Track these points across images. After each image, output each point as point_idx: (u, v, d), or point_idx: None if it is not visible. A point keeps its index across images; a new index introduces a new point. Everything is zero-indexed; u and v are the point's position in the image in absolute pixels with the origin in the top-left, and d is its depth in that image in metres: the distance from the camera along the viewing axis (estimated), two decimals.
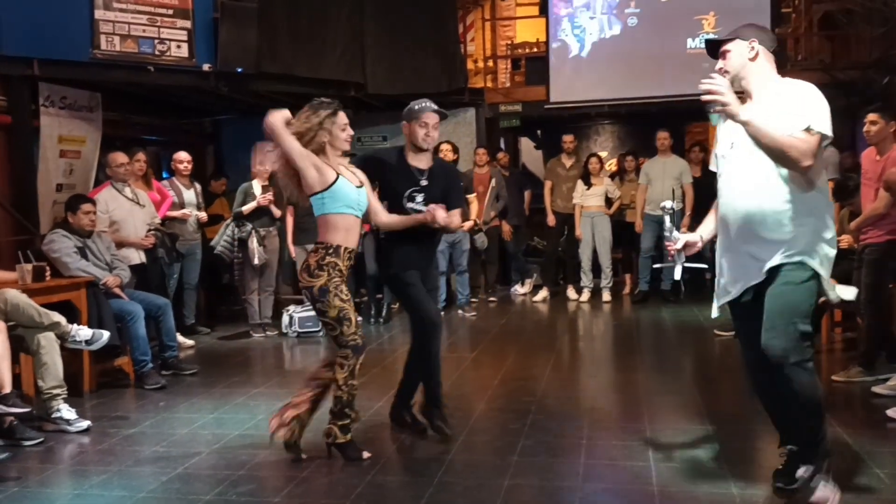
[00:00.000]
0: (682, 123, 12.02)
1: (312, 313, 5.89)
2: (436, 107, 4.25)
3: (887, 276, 4.89)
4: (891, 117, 4.90)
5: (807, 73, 9.73)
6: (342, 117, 3.88)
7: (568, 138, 9.11)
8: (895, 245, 4.43)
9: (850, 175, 6.04)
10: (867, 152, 5.10)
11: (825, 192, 3.19)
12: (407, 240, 4.18)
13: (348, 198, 3.82)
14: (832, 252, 3.11)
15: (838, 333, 6.57)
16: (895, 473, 3.51)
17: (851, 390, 4.98)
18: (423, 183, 4.21)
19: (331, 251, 3.80)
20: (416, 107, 4.21)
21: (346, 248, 3.83)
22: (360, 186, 3.93)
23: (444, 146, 8.00)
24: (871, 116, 4.90)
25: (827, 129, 3.04)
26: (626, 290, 9.29)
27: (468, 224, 8.30)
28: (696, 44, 9.50)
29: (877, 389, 4.82)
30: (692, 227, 8.60)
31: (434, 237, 4.36)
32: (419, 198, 4.18)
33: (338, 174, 3.82)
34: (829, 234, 3.12)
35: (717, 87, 3.03)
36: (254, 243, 7.05)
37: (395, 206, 4.20)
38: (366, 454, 3.89)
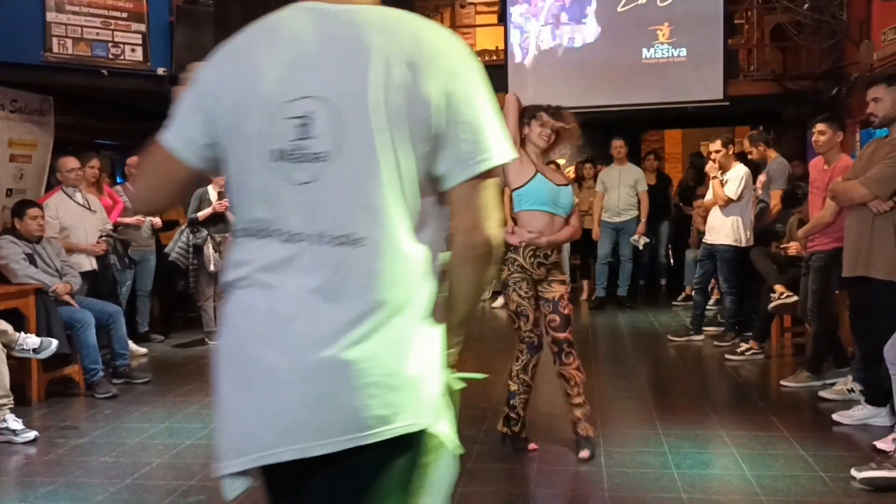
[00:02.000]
0: (638, 132, 12.18)
1: None
2: None
3: (833, 282, 5.01)
4: (838, 127, 5.02)
5: (759, 83, 9.97)
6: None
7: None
8: (841, 252, 4.54)
9: (799, 184, 6.18)
10: (815, 161, 5.22)
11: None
12: None
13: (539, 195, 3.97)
14: None
15: (787, 339, 6.71)
16: (841, 477, 3.59)
17: (799, 395, 5.08)
18: None
19: (511, 248, 3.95)
20: None
21: (527, 247, 3.96)
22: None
23: None
24: (820, 127, 5.02)
25: None
26: (584, 296, 9.38)
27: None
28: (650, 54, 9.64)
29: (824, 394, 4.93)
30: (647, 234, 8.78)
31: None
32: None
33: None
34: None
35: None
36: (209, 249, 6.97)
37: None
38: (532, 446, 4.06)
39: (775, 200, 6.67)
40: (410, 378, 1.37)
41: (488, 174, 1.40)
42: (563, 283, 4.04)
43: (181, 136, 1.49)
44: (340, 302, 1.34)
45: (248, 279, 1.41)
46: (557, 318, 3.95)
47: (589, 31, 9.86)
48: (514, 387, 4.05)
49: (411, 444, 1.39)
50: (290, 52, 1.42)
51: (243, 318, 1.40)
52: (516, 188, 3.97)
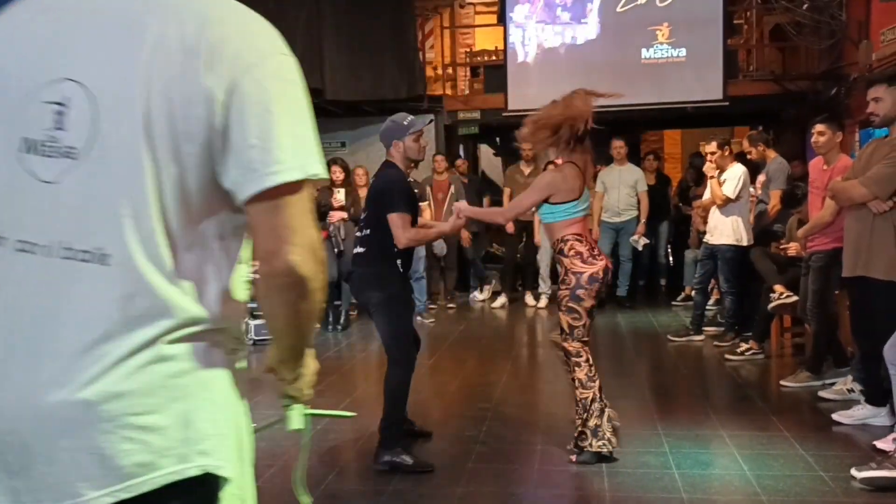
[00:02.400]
0: (638, 132, 12.19)
1: None
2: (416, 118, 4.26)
3: (833, 282, 5.01)
4: (838, 128, 5.03)
5: (758, 84, 9.98)
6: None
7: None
8: (841, 252, 4.54)
9: (798, 184, 6.18)
10: (815, 161, 5.22)
11: None
12: (408, 258, 4.09)
13: None
14: None
15: (787, 339, 6.71)
16: (840, 476, 3.59)
17: (799, 395, 5.08)
18: (416, 191, 4.28)
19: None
20: (405, 122, 4.12)
21: None
22: None
23: None
24: (819, 127, 5.02)
25: None
26: None
27: None
28: (650, 54, 9.64)
29: (824, 394, 4.94)
30: (647, 234, 8.79)
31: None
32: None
33: None
34: None
35: None
36: None
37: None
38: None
39: (774, 200, 6.67)
40: (175, 419, 1.14)
41: (291, 189, 1.15)
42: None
43: None
44: (75, 330, 1.11)
45: None
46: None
47: (588, 30, 9.87)
48: (588, 395, 3.87)
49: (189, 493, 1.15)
50: (55, 22, 1.19)
51: None
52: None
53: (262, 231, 1.17)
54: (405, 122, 4.12)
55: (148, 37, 1.13)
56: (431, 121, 4.22)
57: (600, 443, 3.78)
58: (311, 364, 1.40)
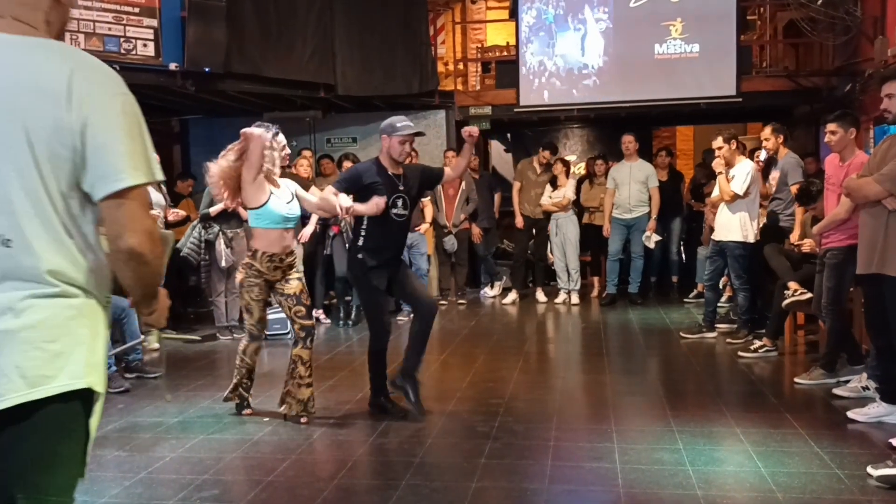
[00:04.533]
0: (650, 128, 12.15)
1: (281, 315, 5.86)
2: (414, 128, 4.61)
3: (848, 279, 4.98)
4: (851, 124, 4.98)
5: (772, 80, 9.93)
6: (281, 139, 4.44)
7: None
8: (856, 249, 4.51)
9: (813, 180, 6.13)
10: (830, 158, 5.18)
11: None
12: (377, 241, 4.55)
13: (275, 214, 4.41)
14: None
15: (801, 336, 6.68)
16: (855, 474, 3.57)
17: (813, 392, 5.06)
18: (402, 188, 4.57)
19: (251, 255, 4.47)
20: (399, 123, 4.53)
21: (264, 253, 4.42)
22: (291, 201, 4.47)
23: None
24: (831, 126, 4.98)
25: None
26: (595, 292, 9.35)
27: (423, 227, 8.32)
28: (663, 49, 9.60)
29: (838, 391, 4.91)
30: (659, 230, 8.76)
31: (403, 237, 4.75)
32: (399, 203, 4.56)
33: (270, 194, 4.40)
34: None
35: None
36: (221, 245, 6.98)
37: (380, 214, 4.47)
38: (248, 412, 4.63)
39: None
40: (63, 348, 1.61)
41: (130, 191, 1.61)
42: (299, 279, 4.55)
43: None
44: None
45: None
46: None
47: (601, 26, 9.83)
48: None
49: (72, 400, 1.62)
50: None
51: None
52: None
53: (109, 221, 1.63)
54: (399, 125, 4.53)
55: (18, 80, 1.57)
56: (422, 134, 4.80)
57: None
58: (163, 302, 1.90)
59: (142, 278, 1.71)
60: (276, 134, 4.40)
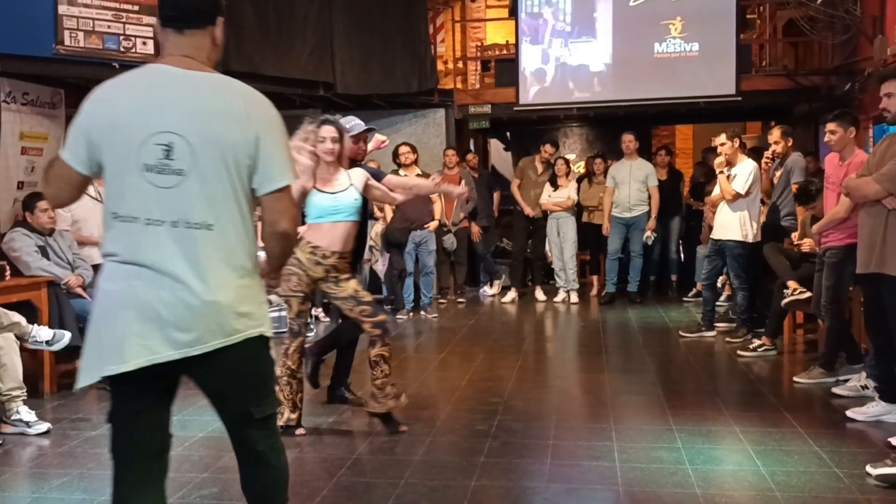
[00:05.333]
0: (650, 127, 12.15)
1: (281, 314, 5.85)
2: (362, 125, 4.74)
3: (847, 279, 4.98)
4: (850, 123, 4.97)
5: (771, 79, 9.93)
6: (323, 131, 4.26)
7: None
8: (855, 248, 4.51)
9: (812, 179, 6.13)
10: (830, 157, 5.18)
11: None
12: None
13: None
14: None
15: (800, 335, 6.69)
16: (854, 473, 3.57)
17: (812, 391, 5.06)
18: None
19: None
20: (349, 125, 4.54)
21: (308, 243, 4.20)
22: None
23: (403, 148, 8.09)
24: (830, 126, 4.97)
25: None
26: (594, 291, 9.35)
27: (433, 224, 8.33)
28: (662, 48, 9.60)
29: (837, 390, 4.91)
30: (658, 229, 8.76)
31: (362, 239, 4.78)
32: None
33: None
34: None
35: None
36: None
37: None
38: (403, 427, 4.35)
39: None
40: (251, 308, 2.19)
41: (285, 188, 2.18)
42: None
43: (71, 152, 2.16)
44: (197, 262, 2.09)
45: (121, 253, 2.11)
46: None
47: (601, 25, 9.82)
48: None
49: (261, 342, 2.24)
50: (148, 99, 2.11)
51: (128, 272, 2.10)
52: None
53: (269, 210, 2.20)
54: (348, 126, 4.51)
55: (214, 109, 2.12)
56: (371, 130, 4.92)
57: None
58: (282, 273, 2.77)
59: (285, 251, 2.32)
60: (317, 126, 4.20)
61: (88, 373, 2.15)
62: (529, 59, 10.07)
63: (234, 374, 2.20)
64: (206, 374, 2.20)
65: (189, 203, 2.09)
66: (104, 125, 2.11)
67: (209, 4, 2.23)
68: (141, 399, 2.19)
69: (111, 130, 2.10)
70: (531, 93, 10.07)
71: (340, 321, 4.77)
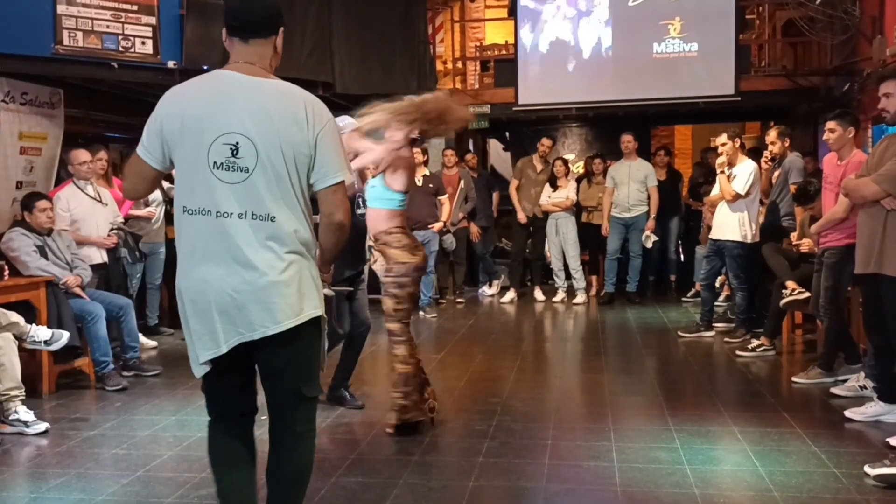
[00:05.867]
0: (649, 127, 12.14)
1: None
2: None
3: (846, 279, 4.98)
4: (849, 123, 4.98)
5: (770, 79, 9.92)
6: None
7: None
8: (854, 249, 4.51)
9: (811, 180, 6.14)
10: (829, 157, 5.18)
11: None
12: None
13: None
14: None
15: (798, 335, 6.69)
16: (853, 473, 3.57)
17: (811, 391, 5.06)
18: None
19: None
20: (341, 123, 4.54)
21: None
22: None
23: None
24: (830, 125, 4.98)
25: None
26: (593, 291, 9.35)
27: (438, 225, 8.33)
28: (662, 48, 9.60)
29: (836, 391, 4.91)
30: (657, 230, 8.75)
31: (362, 246, 4.79)
32: (361, 201, 4.60)
33: None
34: None
35: None
36: None
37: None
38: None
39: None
40: (306, 291, 2.42)
41: (340, 184, 2.41)
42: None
43: (146, 150, 2.41)
44: (263, 250, 2.35)
45: (191, 245, 2.38)
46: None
47: (600, 25, 9.82)
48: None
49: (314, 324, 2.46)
50: (216, 102, 2.34)
51: (199, 263, 2.38)
52: None
53: (326, 203, 2.43)
54: (341, 124, 4.48)
55: (275, 112, 2.35)
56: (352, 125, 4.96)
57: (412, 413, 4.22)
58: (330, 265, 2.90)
59: (339, 242, 2.49)
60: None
61: (194, 364, 2.44)
62: (529, 59, 10.06)
63: (295, 353, 2.42)
64: (271, 354, 2.41)
65: (254, 197, 2.32)
66: (175, 126, 2.34)
67: (272, 17, 2.45)
68: (230, 375, 2.48)
69: (182, 131, 2.33)
70: (530, 93, 10.06)
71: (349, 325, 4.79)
